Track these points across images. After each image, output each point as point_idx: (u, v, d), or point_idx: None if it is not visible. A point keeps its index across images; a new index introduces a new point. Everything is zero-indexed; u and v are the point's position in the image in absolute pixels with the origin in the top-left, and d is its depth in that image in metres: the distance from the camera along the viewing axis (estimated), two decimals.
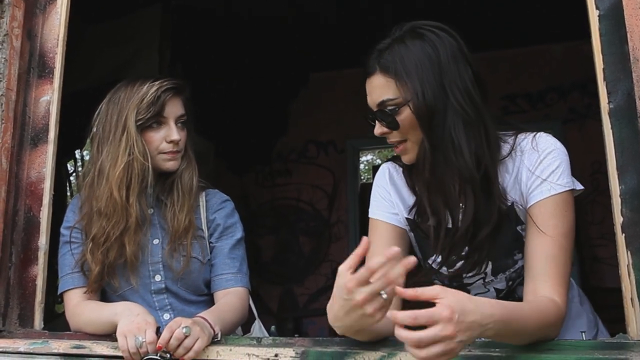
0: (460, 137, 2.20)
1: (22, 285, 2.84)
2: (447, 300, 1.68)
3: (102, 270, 2.82)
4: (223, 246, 3.02)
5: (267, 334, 3.13)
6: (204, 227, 3.03)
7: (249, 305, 3.03)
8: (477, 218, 2.25)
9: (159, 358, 2.30)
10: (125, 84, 2.93)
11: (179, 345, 2.31)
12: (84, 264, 2.86)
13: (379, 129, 2.40)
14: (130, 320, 2.45)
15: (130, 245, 2.83)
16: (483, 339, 2.26)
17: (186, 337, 2.30)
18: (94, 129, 2.94)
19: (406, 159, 2.43)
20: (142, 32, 6.44)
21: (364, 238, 1.85)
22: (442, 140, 2.23)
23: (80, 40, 5.60)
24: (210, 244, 3.03)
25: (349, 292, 1.82)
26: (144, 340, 2.33)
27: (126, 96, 2.86)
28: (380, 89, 2.35)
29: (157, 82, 2.88)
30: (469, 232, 2.27)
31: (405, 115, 2.30)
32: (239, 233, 3.07)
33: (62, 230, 3.00)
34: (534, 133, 2.36)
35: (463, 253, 2.35)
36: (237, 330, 3.01)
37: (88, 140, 2.98)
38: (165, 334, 2.30)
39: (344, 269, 1.86)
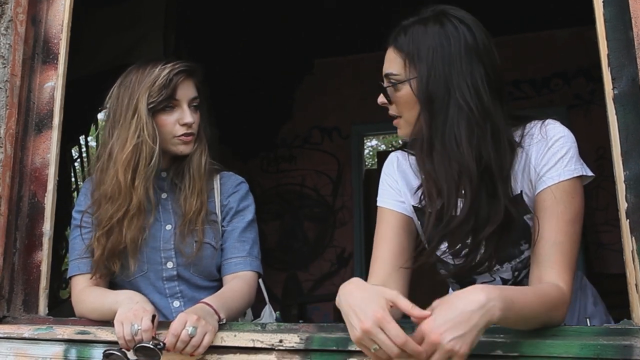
0: (462, 130, 2.19)
1: (27, 271, 2.85)
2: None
3: (102, 254, 2.81)
4: (234, 229, 3.00)
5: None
6: (218, 211, 3.02)
7: (260, 289, 3.03)
8: (478, 215, 2.24)
9: (152, 346, 2.30)
10: (136, 67, 2.91)
11: (186, 346, 2.32)
12: (93, 250, 2.86)
13: (380, 98, 2.45)
14: (129, 307, 2.45)
15: (130, 230, 2.80)
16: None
17: (192, 337, 2.30)
18: (106, 113, 2.94)
19: (399, 132, 2.48)
20: (147, 16, 6.43)
21: None
22: (443, 131, 2.22)
23: (85, 26, 5.60)
24: (222, 228, 3.02)
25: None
26: (139, 327, 2.33)
27: (137, 79, 2.85)
28: (389, 62, 2.40)
29: (169, 65, 2.86)
30: (466, 225, 2.27)
31: (401, 93, 2.34)
32: (250, 215, 3.05)
33: (74, 214, 3.00)
34: (542, 120, 2.35)
35: (467, 241, 2.35)
36: (247, 314, 3.01)
37: (93, 127, 2.97)
38: (170, 340, 2.30)
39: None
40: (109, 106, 2.93)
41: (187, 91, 2.91)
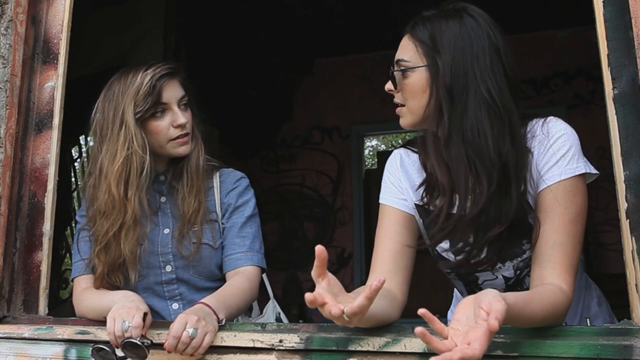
0: (485, 123, 2.19)
1: (27, 271, 2.85)
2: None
3: (103, 270, 2.81)
4: (232, 225, 2.98)
5: (282, 315, 3.13)
6: (218, 209, 3.01)
7: (263, 284, 3.02)
8: (489, 213, 2.23)
9: (139, 342, 2.30)
10: (118, 77, 2.90)
11: (186, 347, 2.32)
12: (91, 263, 2.88)
13: (387, 84, 2.46)
14: (123, 305, 2.45)
15: (127, 243, 2.80)
16: None
17: (192, 339, 2.30)
18: (92, 129, 2.92)
19: (401, 122, 2.49)
20: (147, 16, 6.43)
21: (318, 248, 1.83)
22: (463, 122, 2.22)
23: (85, 25, 5.60)
24: (222, 225, 3.00)
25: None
26: (130, 324, 2.33)
27: (121, 90, 2.83)
28: (402, 48, 2.41)
29: (150, 71, 2.84)
30: (477, 222, 2.26)
31: (410, 80, 2.36)
32: (249, 210, 3.03)
33: (77, 217, 3.03)
34: (544, 118, 2.34)
35: (470, 240, 2.34)
36: (254, 309, 3.01)
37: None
38: (171, 342, 2.29)
39: (314, 276, 1.87)
40: (95, 120, 2.92)
41: (173, 92, 2.89)
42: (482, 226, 2.26)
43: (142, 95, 2.79)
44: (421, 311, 1.67)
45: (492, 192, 2.20)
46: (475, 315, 1.71)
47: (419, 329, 1.65)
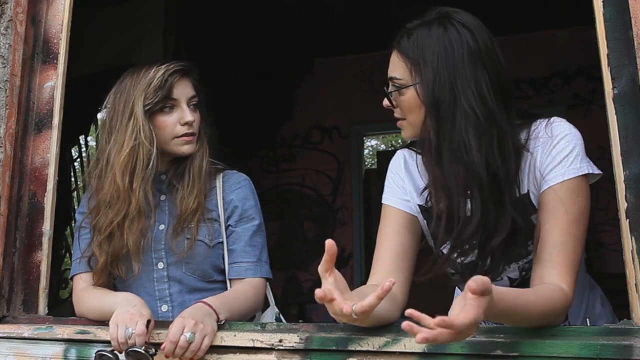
0: (470, 137, 2.18)
1: (27, 271, 2.84)
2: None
3: (107, 260, 2.81)
4: (243, 232, 2.97)
5: (283, 320, 3.13)
6: (220, 209, 2.99)
7: (266, 294, 3.02)
8: (487, 224, 2.23)
9: (143, 352, 2.30)
10: (131, 72, 2.90)
11: (185, 352, 2.31)
12: (91, 257, 2.86)
13: (385, 101, 2.45)
14: (126, 310, 2.45)
15: (131, 234, 2.80)
16: (488, 325, 2.27)
17: (190, 344, 2.29)
18: (103, 120, 2.93)
19: (403, 134, 2.49)
20: (147, 16, 6.43)
21: (329, 242, 1.84)
22: (452, 137, 2.21)
23: (85, 25, 5.60)
24: (230, 228, 2.98)
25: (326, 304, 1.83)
26: (133, 331, 2.33)
27: (133, 83, 2.84)
28: (393, 65, 2.40)
29: (164, 66, 2.85)
30: (477, 235, 2.25)
31: (405, 97, 2.34)
32: (258, 218, 3.02)
33: (77, 216, 3.04)
34: (548, 119, 2.35)
35: (475, 242, 2.34)
36: (256, 318, 3.00)
37: (93, 127, 2.96)
38: (169, 347, 2.29)
39: (321, 272, 1.87)
40: (105, 114, 2.93)
41: (184, 90, 2.90)
42: (482, 237, 2.25)
43: (153, 88, 2.80)
44: (409, 312, 1.66)
45: (487, 204, 2.20)
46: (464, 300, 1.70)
47: (405, 324, 1.64)
